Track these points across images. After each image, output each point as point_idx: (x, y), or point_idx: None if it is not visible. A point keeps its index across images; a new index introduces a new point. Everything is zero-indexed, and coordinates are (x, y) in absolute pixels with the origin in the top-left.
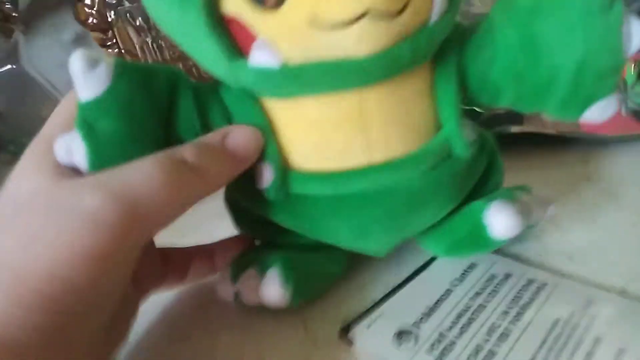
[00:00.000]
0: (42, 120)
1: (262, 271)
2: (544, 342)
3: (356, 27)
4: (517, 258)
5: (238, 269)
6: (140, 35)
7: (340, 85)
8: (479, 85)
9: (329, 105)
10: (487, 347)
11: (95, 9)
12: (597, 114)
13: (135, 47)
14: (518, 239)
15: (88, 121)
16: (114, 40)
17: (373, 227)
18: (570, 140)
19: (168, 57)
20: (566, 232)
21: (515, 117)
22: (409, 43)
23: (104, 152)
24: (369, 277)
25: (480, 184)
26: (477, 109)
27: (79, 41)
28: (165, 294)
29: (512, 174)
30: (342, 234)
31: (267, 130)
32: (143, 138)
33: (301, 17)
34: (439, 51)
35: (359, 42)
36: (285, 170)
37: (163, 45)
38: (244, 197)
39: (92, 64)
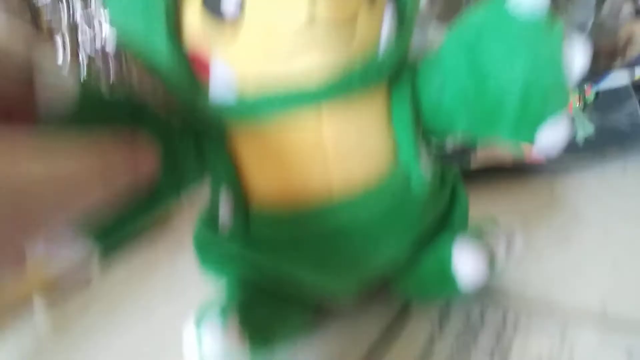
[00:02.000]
0: None
1: (224, 319)
2: None
3: (306, 57)
4: (498, 289)
5: (202, 316)
6: None
7: (295, 111)
8: (433, 112)
9: (287, 135)
10: None
11: None
12: (551, 134)
13: None
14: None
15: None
16: None
17: (335, 266)
18: (533, 169)
19: None
20: (542, 256)
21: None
22: (358, 73)
23: None
24: (346, 337)
25: (444, 219)
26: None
27: None
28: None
29: (481, 204)
30: (306, 274)
31: (228, 157)
32: None
33: (256, 44)
34: (393, 80)
35: (311, 71)
36: (246, 211)
37: None
38: (209, 238)
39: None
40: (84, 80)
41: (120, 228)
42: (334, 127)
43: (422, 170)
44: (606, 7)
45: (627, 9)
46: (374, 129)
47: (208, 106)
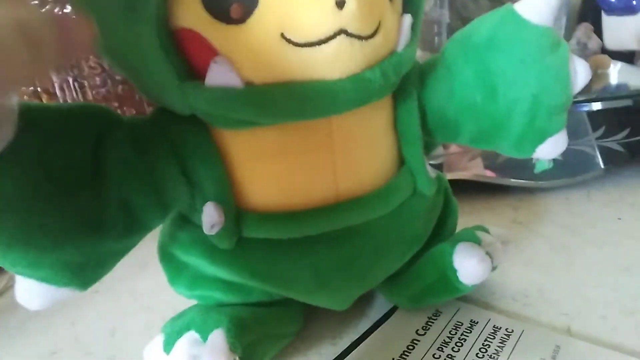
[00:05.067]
0: None
1: (205, 335)
2: None
3: (329, 46)
4: (465, 301)
5: (173, 334)
6: (60, 74)
7: (307, 111)
8: (439, 121)
9: (292, 136)
10: None
11: None
12: (550, 149)
13: (53, 86)
14: None
15: None
16: None
17: (336, 274)
18: (499, 187)
19: (91, 98)
20: (506, 274)
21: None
22: (379, 68)
23: (13, 218)
24: (329, 328)
25: (438, 226)
26: None
27: None
28: None
29: None
30: (301, 284)
31: (217, 164)
32: (61, 188)
33: (268, 32)
34: (400, 87)
35: (332, 62)
36: (239, 211)
37: (86, 84)
38: (184, 248)
39: None
40: (27, 104)
41: (101, 263)
42: (345, 128)
43: (427, 172)
44: (573, 41)
45: (593, 43)
46: (382, 133)
47: (200, 98)
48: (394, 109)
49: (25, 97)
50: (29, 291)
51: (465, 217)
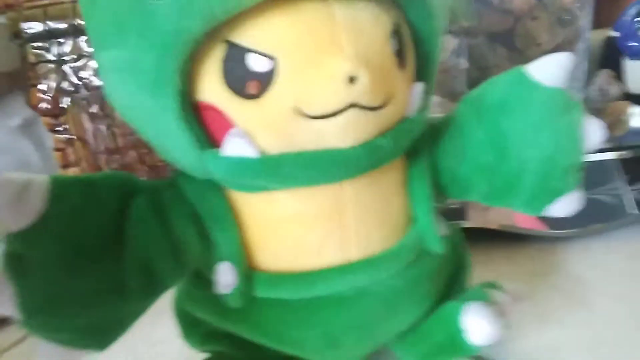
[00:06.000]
0: None
1: None
2: None
3: (341, 118)
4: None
5: None
6: (94, 123)
7: (320, 177)
8: (450, 180)
9: (305, 200)
10: None
11: (50, 94)
12: (564, 208)
13: (86, 134)
14: None
15: (17, 254)
16: (65, 127)
17: (346, 334)
18: (516, 236)
19: (121, 145)
20: (523, 331)
21: (460, 213)
22: (390, 134)
23: (39, 287)
24: None
25: (451, 281)
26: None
27: (27, 127)
28: None
29: None
30: (311, 343)
31: (232, 226)
32: (87, 256)
33: (283, 106)
34: (412, 148)
35: (344, 132)
36: (250, 272)
37: (117, 132)
38: (197, 305)
39: (22, 189)
40: (55, 177)
41: (121, 323)
42: (355, 191)
43: (438, 231)
44: (594, 87)
45: (614, 89)
46: (392, 194)
47: (218, 166)
48: (405, 169)
49: (60, 144)
50: (50, 354)
51: (481, 267)
